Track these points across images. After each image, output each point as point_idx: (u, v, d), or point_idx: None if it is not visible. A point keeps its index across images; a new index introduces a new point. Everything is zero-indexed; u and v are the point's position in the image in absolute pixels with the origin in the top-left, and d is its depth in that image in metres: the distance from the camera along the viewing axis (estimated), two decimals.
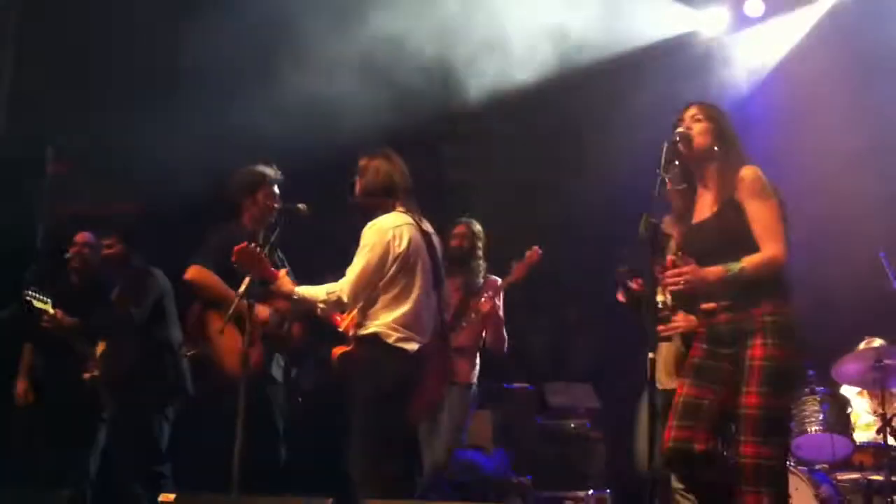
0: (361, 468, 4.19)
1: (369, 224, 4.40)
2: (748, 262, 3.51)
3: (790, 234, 3.61)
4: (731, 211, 3.62)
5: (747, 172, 3.62)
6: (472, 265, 5.74)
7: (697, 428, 3.56)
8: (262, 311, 4.82)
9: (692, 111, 3.75)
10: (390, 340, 4.30)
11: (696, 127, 3.70)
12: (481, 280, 5.74)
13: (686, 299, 3.71)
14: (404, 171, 4.55)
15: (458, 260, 5.68)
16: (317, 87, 6.41)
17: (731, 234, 3.59)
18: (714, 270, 3.52)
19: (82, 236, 5.76)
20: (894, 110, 6.24)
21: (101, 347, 5.37)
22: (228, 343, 4.62)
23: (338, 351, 4.47)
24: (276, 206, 4.94)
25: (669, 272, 3.53)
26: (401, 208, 4.48)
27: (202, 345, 4.81)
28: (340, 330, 4.51)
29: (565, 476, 6.70)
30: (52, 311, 5.33)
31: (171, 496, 4.09)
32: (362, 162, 4.56)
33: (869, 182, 6.43)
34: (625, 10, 6.44)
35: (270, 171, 5.07)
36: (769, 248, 3.53)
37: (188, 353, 4.88)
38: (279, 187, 5.07)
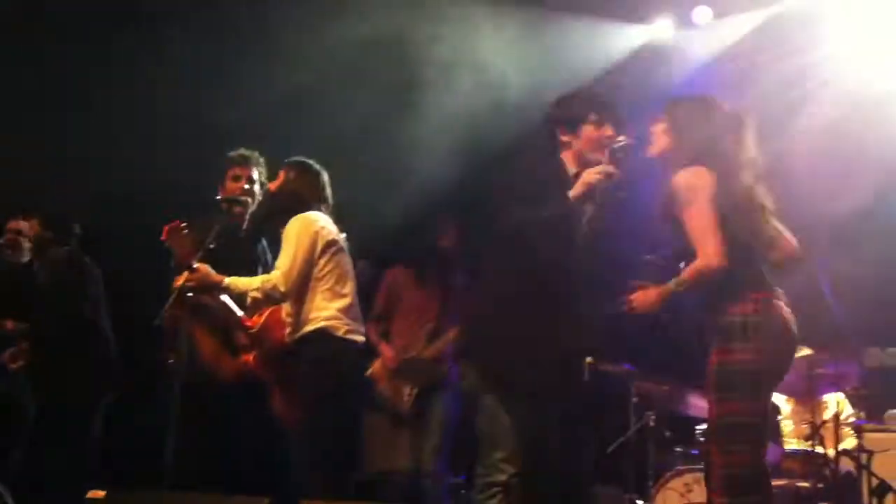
0: (309, 466, 4.10)
1: (293, 219, 4.29)
2: (686, 272, 3.51)
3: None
4: (677, 224, 3.59)
5: (673, 183, 3.59)
6: (455, 265, 5.52)
7: None
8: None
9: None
10: (340, 333, 4.21)
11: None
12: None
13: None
14: (318, 186, 4.48)
15: (445, 260, 5.47)
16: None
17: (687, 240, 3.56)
18: (661, 291, 3.53)
19: (14, 224, 5.64)
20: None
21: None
22: (205, 345, 4.54)
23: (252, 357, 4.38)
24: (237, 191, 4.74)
25: (625, 297, 3.55)
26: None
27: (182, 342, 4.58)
28: (253, 332, 4.39)
29: None
30: None
31: (101, 492, 4.04)
32: (283, 169, 4.51)
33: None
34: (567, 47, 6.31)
35: (234, 155, 4.84)
36: (700, 257, 3.48)
37: (168, 359, 4.68)
38: (250, 170, 4.82)
